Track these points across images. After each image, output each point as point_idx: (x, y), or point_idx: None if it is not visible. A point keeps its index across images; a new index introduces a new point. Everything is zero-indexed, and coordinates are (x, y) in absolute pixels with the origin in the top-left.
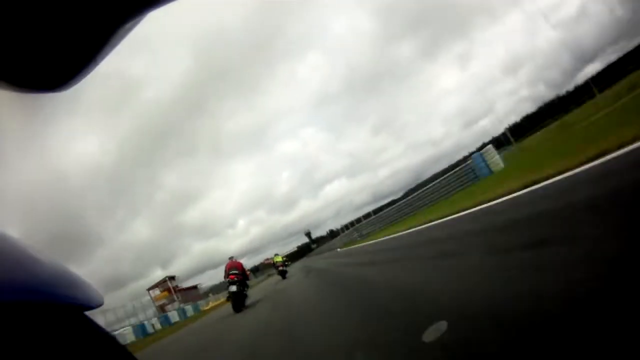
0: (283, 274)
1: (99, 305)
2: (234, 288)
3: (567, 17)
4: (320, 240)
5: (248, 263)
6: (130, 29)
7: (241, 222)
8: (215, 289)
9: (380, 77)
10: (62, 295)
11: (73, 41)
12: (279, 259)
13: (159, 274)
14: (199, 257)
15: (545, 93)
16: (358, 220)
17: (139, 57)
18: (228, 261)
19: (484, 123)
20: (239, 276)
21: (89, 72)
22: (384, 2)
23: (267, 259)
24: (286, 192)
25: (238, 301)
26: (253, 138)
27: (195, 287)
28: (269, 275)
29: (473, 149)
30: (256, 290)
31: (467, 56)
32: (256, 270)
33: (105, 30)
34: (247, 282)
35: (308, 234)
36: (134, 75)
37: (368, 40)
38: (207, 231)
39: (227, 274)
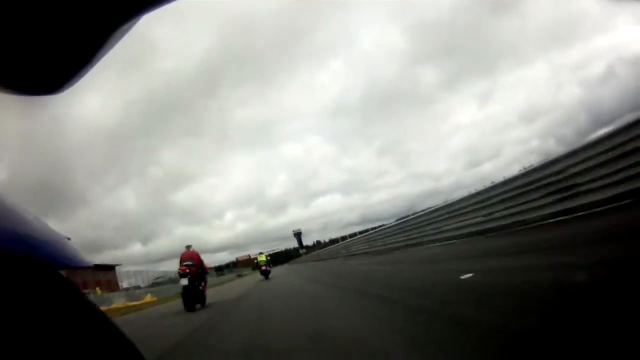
0: (266, 274)
1: (80, 265)
2: (185, 282)
3: (592, 75)
4: (307, 248)
5: (228, 258)
6: (126, 31)
7: (229, 215)
8: (169, 281)
9: (398, 98)
10: (41, 250)
11: (70, 45)
12: (263, 257)
13: (137, 249)
14: (180, 241)
15: (554, 148)
16: (343, 237)
17: (164, 23)
18: (184, 250)
19: (487, 167)
20: (192, 268)
21: (84, 74)
22: (418, 21)
23: (243, 257)
24: (279, 195)
25: (190, 298)
26: (259, 133)
27: (111, 269)
28: (239, 276)
29: (472, 190)
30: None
31: (487, 95)
32: (225, 267)
33: (102, 32)
34: (206, 275)
35: (298, 235)
36: (155, 39)
37: (394, 57)
38: (194, 217)
39: (180, 265)
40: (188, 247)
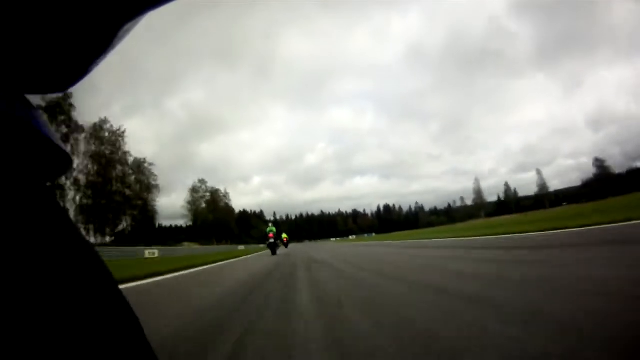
0: (274, 247)
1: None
2: None
3: None
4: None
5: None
6: (130, 29)
7: (256, 180)
8: None
9: (476, 62)
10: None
11: (75, 45)
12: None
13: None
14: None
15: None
16: None
17: None
18: None
19: (531, 176)
20: None
21: (88, 74)
22: None
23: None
24: (314, 166)
25: None
26: (308, 84)
27: None
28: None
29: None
30: None
31: (573, 85)
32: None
33: (107, 33)
34: None
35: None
36: None
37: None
38: (216, 175)
39: None
40: None
